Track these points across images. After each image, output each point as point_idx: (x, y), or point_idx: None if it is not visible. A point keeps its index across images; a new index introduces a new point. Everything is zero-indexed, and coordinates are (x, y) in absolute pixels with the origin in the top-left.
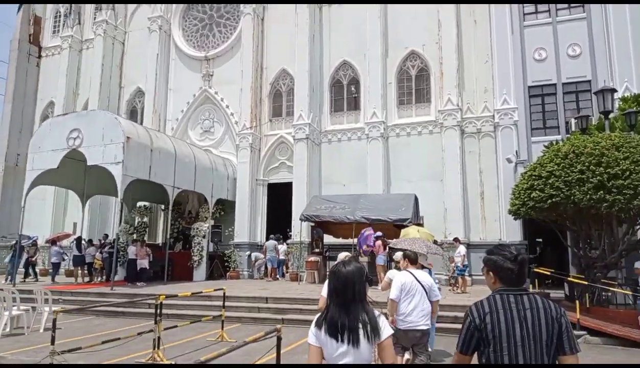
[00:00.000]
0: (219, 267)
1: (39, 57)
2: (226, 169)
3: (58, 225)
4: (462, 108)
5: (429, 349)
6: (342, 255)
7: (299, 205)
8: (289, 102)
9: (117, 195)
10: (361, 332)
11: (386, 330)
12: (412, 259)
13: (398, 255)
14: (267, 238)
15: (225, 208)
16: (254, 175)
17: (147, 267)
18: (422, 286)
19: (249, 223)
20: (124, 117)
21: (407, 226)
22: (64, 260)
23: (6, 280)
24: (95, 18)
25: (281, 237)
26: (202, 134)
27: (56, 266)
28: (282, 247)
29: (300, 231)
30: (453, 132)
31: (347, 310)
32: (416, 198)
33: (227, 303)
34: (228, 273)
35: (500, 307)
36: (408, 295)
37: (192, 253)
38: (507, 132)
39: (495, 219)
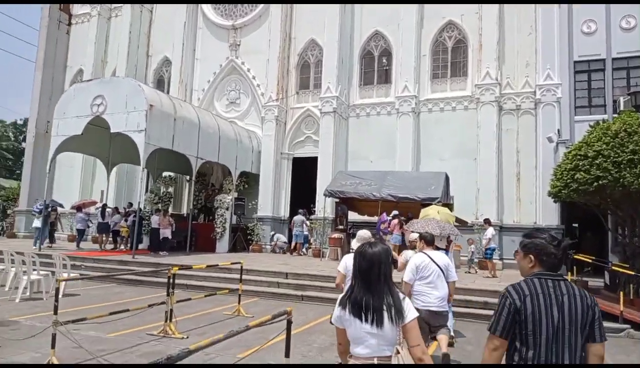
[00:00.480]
0: (241, 239)
1: (69, 24)
2: (251, 142)
3: (86, 192)
4: (501, 83)
5: (451, 332)
6: (362, 233)
7: (323, 180)
8: (316, 74)
9: (130, 162)
10: (385, 313)
11: (411, 312)
12: (428, 240)
13: (413, 236)
14: (296, 213)
15: (250, 181)
16: (279, 148)
17: (170, 237)
18: (439, 267)
19: (272, 197)
20: (150, 86)
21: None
22: (89, 227)
23: (34, 244)
24: None
25: (306, 212)
26: (228, 105)
27: (81, 232)
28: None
29: (324, 207)
30: (490, 107)
31: (371, 291)
32: (447, 177)
33: (246, 277)
34: (251, 247)
35: (540, 291)
36: (424, 277)
37: (215, 225)
38: (549, 109)
39: (531, 201)
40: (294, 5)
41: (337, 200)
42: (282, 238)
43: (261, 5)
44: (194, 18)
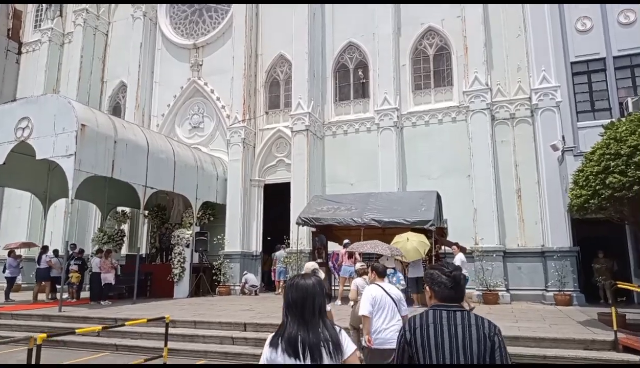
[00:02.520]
0: (205, 281)
1: (19, 53)
2: (215, 168)
3: (34, 234)
4: (492, 89)
5: None
6: (309, 265)
7: (297, 207)
8: (287, 91)
9: (76, 196)
10: (323, 349)
11: (349, 346)
12: (380, 272)
13: (359, 266)
14: (270, 248)
15: (216, 213)
16: (248, 174)
17: (113, 282)
18: (393, 300)
19: (242, 230)
20: (105, 112)
21: (429, 229)
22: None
23: None
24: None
25: (284, 245)
26: (190, 130)
27: (10, 281)
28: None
29: (297, 238)
30: (482, 116)
31: (306, 326)
32: (439, 196)
33: (194, 332)
34: (217, 289)
35: (431, 322)
36: (379, 310)
37: (172, 266)
38: (549, 115)
39: (536, 221)
40: (259, 18)
41: (314, 229)
42: (252, 278)
43: (224, 22)
44: (152, 38)
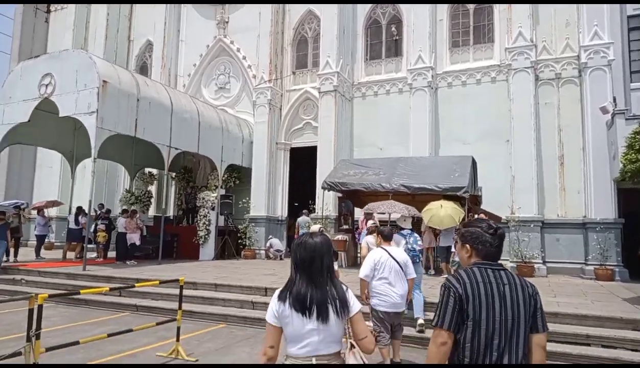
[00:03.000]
0: (230, 244)
1: (48, 11)
2: (241, 130)
3: (65, 195)
4: (537, 46)
5: (420, 320)
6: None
7: (324, 172)
8: (315, 50)
9: (102, 156)
10: (330, 306)
11: (355, 304)
12: (386, 235)
13: (371, 223)
14: (295, 213)
15: (241, 176)
16: (274, 137)
17: (138, 243)
18: (398, 263)
19: (267, 194)
20: (132, 71)
21: (462, 197)
22: (50, 232)
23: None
24: None
25: (307, 211)
26: (216, 92)
27: (40, 239)
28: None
29: (323, 203)
30: (525, 76)
31: (315, 284)
32: (474, 162)
33: (215, 295)
34: (242, 252)
35: (480, 280)
36: (382, 274)
37: (198, 228)
38: (599, 75)
39: (579, 190)
40: None
41: (340, 195)
42: (277, 243)
43: None
44: None
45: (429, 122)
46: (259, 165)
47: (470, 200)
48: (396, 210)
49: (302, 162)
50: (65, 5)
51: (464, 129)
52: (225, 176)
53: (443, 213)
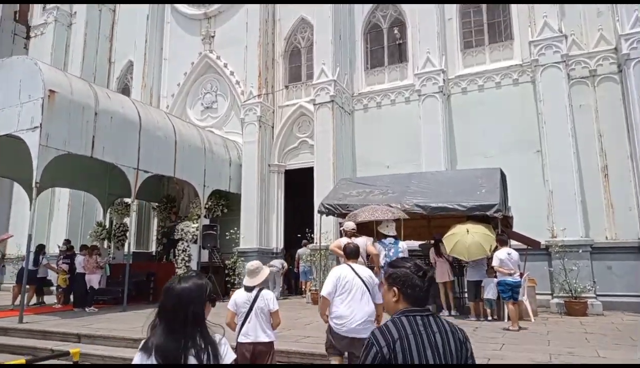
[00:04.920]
0: (215, 283)
1: (27, 38)
2: (228, 151)
3: (41, 231)
4: (567, 38)
5: None
6: (249, 265)
7: (321, 194)
8: (309, 61)
9: (71, 186)
10: (194, 360)
11: (229, 355)
12: (348, 253)
13: (349, 225)
14: (292, 244)
15: (230, 204)
16: (266, 158)
17: (96, 286)
18: (364, 283)
19: (258, 223)
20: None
21: (493, 218)
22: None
23: None
24: None
25: (307, 241)
26: (203, 112)
27: None
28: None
29: (320, 231)
30: (556, 72)
31: (177, 336)
32: (503, 175)
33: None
34: (231, 291)
35: (410, 332)
36: (344, 293)
37: (176, 265)
38: None
39: (630, 207)
40: None
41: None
42: (276, 264)
43: None
44: (160, 11)
45: (442, 133)
46: (248, 190)
47: (501, 222)
48: (378, 216)
49: (299, 185)
50: (44, 30)
51: (483, 140)
52: (210, 204)
53: (470, 241)
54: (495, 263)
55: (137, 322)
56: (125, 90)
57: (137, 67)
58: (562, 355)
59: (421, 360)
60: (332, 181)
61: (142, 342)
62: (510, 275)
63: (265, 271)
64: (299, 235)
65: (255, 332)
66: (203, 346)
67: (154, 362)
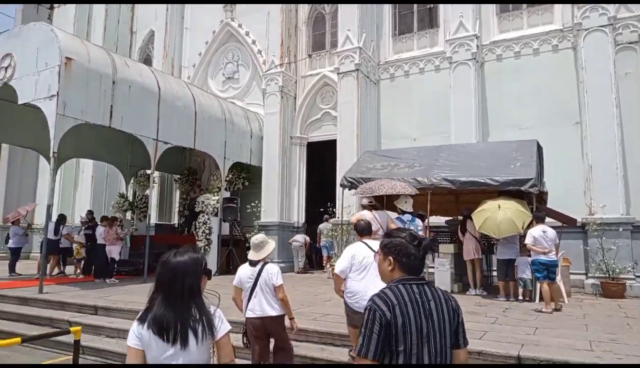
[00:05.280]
0: (236, 256)
1: (51, 8)
2: (249, 123)
3: (66, 201)
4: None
5: None
6: (254, 239)
7: (344, 167)
8: (333, 27)
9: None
10: (191, 331)
11: (223, 326)
12: (360, 230)
13: (364, 201)
14: (314, 218)
15: (251, 176)
16: (288, 130)
17: (117, 257)
18: None
19: (279, 196)
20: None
21: (529, 193)
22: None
23: None
24: None
25: (328, 216)
26: (224, 82)
27: (14, 252)
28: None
29: (342, 206)
30: (601, 37)
31: (174, 307)
32: (539, 147)
33: None
34: None
35: (407, 299)
36: (361, 271)
37: (197, 237)
38: None
39: None
40: None
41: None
42: (298, 239)
43: None
44: None
45: (474, 104)
46: (270, 163)
47: (536, 198)
48: (386, 191)
49: (322, 158)
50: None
51: (518, 110)
52: (230, 176)
53: (501, 217)
54: (528, 240)
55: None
56: (147, 61)
57: (159, 37)
58: (604, 342)
59: (417, 325)
60: (356, 154)
61: (139, 314)
62: (545, 253)
63: (271, 245)
64: (321, 210)
65: (261, 306)
66: (198, 317)
67: (148, 332)
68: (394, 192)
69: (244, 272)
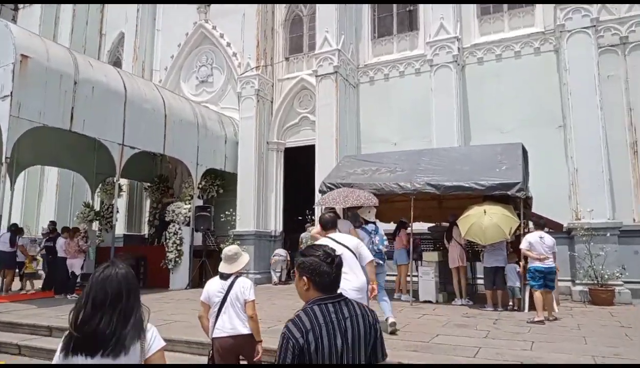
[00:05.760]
0: (209, 268)
1: (16, 8)
2: (223, 128)
3: (30, 213)
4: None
5: (390, 319)
6: (226, 250)
7: (323, 173)
8: (311, 30)
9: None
10: (119, 346)
11: (155, 343)
12: (324, 223)
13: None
14: (292, 227)
15: (226, 183)
16: (264, 135)
17: (78, 271)
18: (350, 250)
19: (256, 204)
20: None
21: (515, 198)
22: None
23: None
24: None
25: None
26: (197, 86)
27: None
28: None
29: (321, 212)
30: (584, 39)
31: (100, 321)
32: (524, 150)
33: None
34: None
35: (322, 322)
36: None
37: (167, 249)
38: None
39: None
40: None
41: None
42: (281, 253)
43: None
44: None
45: (455, 107)
46: (245, 170)
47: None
48: (351, 202)
49: (300, 164)
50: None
51: (500, 114)
52: (204, 183)
53: (487, 223)
54: (523, 245)
55: None
56: (116, 64)
57: (129, 39)
58: (607, 356)
59: (331, 346)
60: (335, 159)
61: (62, 340)
62: (540, 260)
63: (245, 257)
64: (299, 218)
65: (232, 323)
66: (125, 333)
67: (73, 355)
68: (358, 203)
69: (213, 286)
